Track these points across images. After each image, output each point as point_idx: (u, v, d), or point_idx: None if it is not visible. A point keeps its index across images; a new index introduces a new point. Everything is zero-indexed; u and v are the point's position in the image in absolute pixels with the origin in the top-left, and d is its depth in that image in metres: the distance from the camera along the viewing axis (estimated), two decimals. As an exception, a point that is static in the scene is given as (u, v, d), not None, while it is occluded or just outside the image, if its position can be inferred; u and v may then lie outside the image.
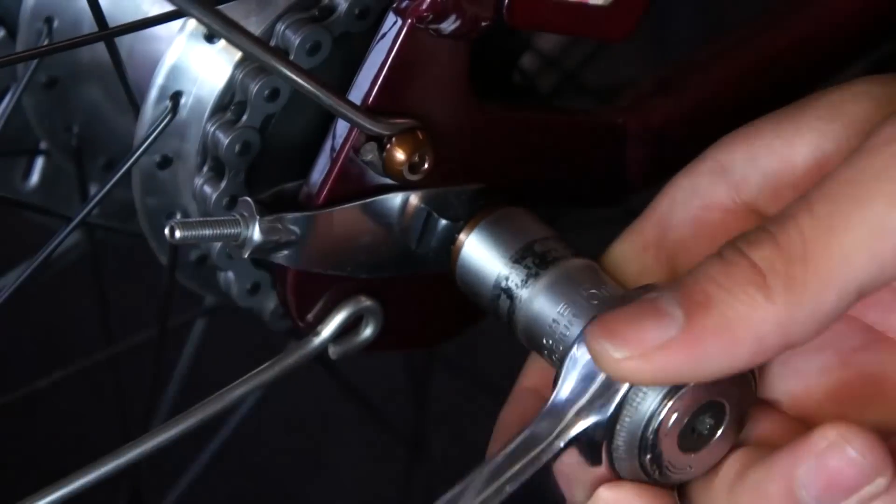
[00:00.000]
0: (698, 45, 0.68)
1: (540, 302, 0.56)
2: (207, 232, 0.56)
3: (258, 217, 0.57)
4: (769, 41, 0.66)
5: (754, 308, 0.49)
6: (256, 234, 0.57)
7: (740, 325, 0.49)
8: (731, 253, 0.50)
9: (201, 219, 0.57)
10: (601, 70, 0.79)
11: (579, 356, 0.53)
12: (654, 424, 0.52)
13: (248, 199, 0.57)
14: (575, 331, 0.54)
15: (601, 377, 0.53)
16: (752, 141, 0.55)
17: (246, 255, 0.57)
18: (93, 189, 0.69)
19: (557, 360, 0.55)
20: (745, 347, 0.49)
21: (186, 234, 0.56)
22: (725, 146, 0.56)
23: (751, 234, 0.50)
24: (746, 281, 0.49)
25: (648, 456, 0.53)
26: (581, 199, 0.64)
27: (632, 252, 0.57)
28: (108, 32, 0.59)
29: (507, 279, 0.57)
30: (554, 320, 0.55)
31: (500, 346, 0.68)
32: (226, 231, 0.57)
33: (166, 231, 0.56)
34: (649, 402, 0.52)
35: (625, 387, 0.52)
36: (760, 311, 0.49)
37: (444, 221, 0.59)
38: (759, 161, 0.55)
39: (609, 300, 0.54)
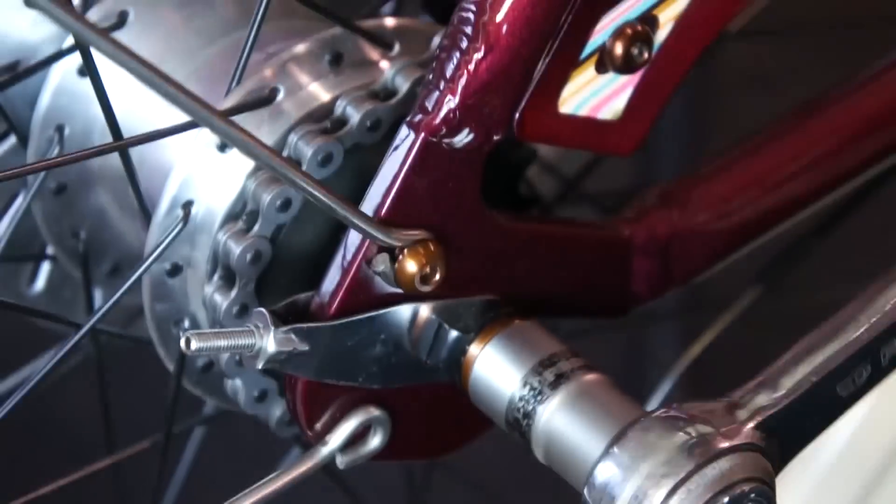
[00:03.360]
0: (694, 154, 0.68)
1: (558, 420, 0.55)
2: (222, 343, 0.56)
3: (273, 328, 0.56)
4: (775, 156, 0.66)
5: None
6: (271, 345, 0.56)
7: None
8: None
9: (216, 330, 0.56)
10: (597, 179, 0.79)
11: (601, 476, 0.53)
12: None
13: (263, 310, 0.57)
14: (596, 451, 0.54)
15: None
16: None
17: (260, 366, 0.56)
18: (98, 294, 0.68)
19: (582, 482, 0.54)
20: None
21: (202, 345, 0.55)
22: None
23: None
24: None
25: None
26: (587, 310, 0.64)
27: None
28: (122, 143, 0.58)
29: (522, 398, 0.56)
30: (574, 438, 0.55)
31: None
32: (241, 342, 0.56)
33: (182, 342, 0.55)
34: None
35: None
36: None
37: (454, 333, 0.58)
38: None
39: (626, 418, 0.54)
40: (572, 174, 0.75)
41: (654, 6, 0.58)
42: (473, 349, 0.58)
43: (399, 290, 0.58)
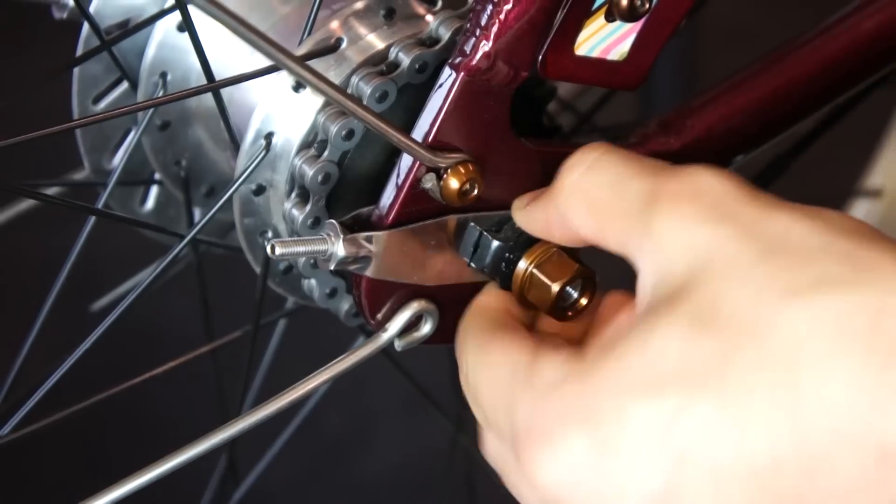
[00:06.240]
0: (685, 94, 0.68)
1: None
2: (301, 249, 0.57)
3: (342, 236, 0.57)
4: (754, 90, 0.66)
5: None
6: (340, 250, 0.57)
7: None
8: None
9: (295, 238, 0.57)
10: (607, 114, 0.79)
11: None
12: None
13: (333, 221, 0.58)
14: None
15: None
16: None
17: (331, 268, 0.58)
18: (196, 212, 0.69)
19: None
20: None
21: (284, 250, 0.56)
22: None
23: None
24: None
25: None
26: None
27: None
28: (215, 85, 0.60)
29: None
30: None
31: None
32: (316, 248, 0.57)
33: (267, 248, 0.56)
34: None
35: None
36: None
37: (495, 242, 0.59)
38: None
39: None
40: (586, 110, 0.76)
41: (654, -35, 0.58)
42: (522, 264, 0.59)
43: (444, 204, 0.59)
